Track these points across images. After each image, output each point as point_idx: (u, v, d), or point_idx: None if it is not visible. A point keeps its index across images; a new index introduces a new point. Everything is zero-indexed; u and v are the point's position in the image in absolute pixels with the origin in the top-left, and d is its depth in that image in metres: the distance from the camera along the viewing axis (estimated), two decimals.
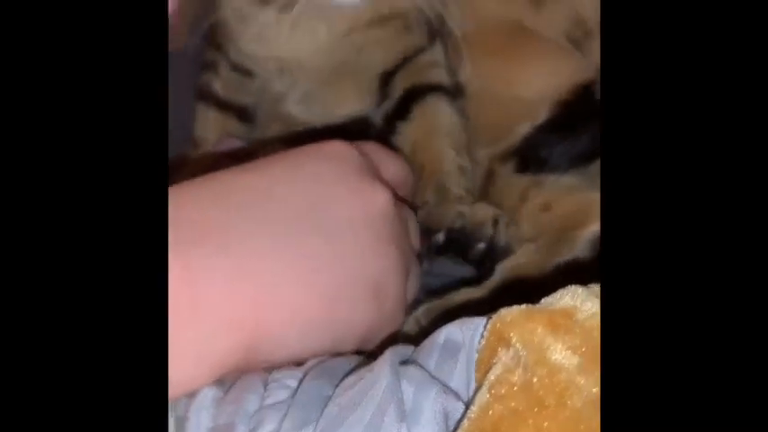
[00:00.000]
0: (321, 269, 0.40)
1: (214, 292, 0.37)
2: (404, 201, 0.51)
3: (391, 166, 0.50)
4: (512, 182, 0.64)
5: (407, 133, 0.64)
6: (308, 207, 0.41)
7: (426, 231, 0.59)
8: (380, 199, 0.44)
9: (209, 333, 0.37)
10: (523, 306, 0.33)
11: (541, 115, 0.64)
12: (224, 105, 0.72)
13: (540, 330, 0.31)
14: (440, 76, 0.66)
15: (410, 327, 0.53)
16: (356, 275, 0.41)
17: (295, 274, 0.40)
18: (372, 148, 0.48)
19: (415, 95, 0.65)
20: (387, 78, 0.65)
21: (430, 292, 0.60)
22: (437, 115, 0.64)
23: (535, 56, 0.65)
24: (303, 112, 0.68)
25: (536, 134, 0.64)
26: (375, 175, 0.45)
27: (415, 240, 0.49)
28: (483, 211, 0.61)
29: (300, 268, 0.40)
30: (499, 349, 0.32)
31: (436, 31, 0.67)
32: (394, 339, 0.44)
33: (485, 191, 0.65)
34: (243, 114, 0.72)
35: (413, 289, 0.48)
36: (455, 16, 0.63)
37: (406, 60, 0.65)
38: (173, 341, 0.35)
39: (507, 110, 0.65)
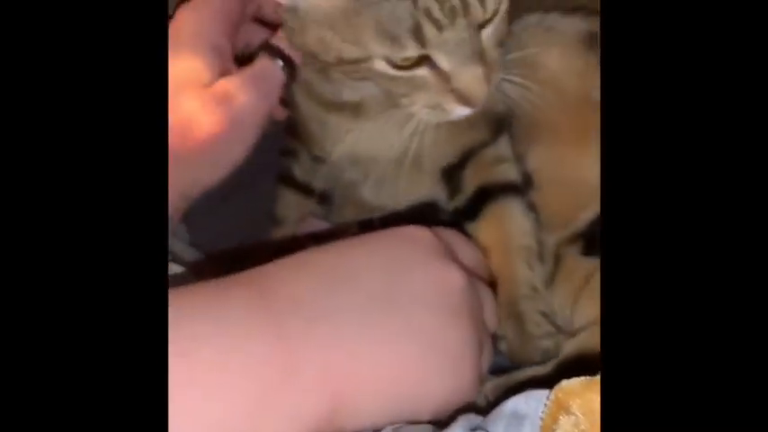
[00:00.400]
0: (400, 345, 0.43)
1: (306, 360, 0.40)
2: (481, 279, 0.53)
3: (467, 251, 0.53)
4: (578, 264, 0.66)
5: (479, 237, 0.66)
6: (386, 287, 0.44)
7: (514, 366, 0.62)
8: (455, 278, 0.46)
9: (301, 396, 0.39)
10: (582, 378, 0.36)
11: None
12: (303, 188, 0.77)
13: (596, 399, 0.34)
14: (508, 172, 0.68)
15: (479, 401, 0.55)
16: (436, 349, 0.44)
17: (376, 349, 0.43)
18: (448, 234, 0.51)
19: (486, 196, 0.67)
20: (451, 172, 0.68)
21: (497, 370, 0.63)
22: (510, 221, 0.66)
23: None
24: (375, 198, 0.72)
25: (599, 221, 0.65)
26: (449, 255, 0.48)
27: (490, 317, 0.51)
28: (568, 346, 0.62)
29: (380, 344, 0.43)
30: (560, 416, 0.34)
31: (502, 124, 0.69)
32: (464, 410, 0.46)
33: (553, 275, 0.67)
34: (320, 197, 0.77)
35: (486, 363, 0.50)
36: (527, 103, 0.64)
37: (470, 154, 0.67)
38: (269, 402, 0.38)
39: (574, 195, 0.67)
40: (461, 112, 0.58)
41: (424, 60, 0.55)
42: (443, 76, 0.56)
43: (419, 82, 0.56)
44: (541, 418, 0.36)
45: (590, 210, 0.66)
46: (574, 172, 0.67)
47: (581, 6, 0.71)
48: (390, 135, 0.66)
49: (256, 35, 0.64)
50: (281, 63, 0.59)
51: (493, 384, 0.58)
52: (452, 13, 0.53)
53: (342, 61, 0.57)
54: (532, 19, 0.69)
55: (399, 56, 0.54)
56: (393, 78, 0.57)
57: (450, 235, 0.51)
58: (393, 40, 0.53)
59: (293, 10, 0.57)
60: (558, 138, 0.67)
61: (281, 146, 0.76)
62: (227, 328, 0.39)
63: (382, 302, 0.44)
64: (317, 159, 0.73)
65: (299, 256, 0.45)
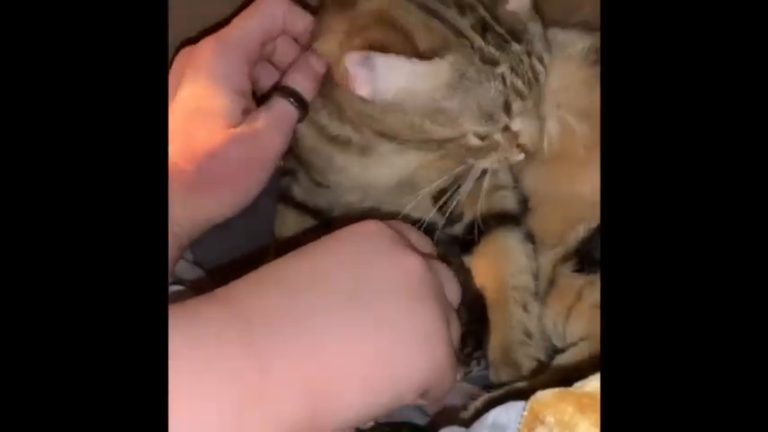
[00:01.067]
0: (372, 338, 0.44)
1: (281, 370, 0.41)
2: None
3: (417, 237, 0.54)
4: (570, 282, 0.68)
5: (475, 272, 0.70)
6: (351, 284, 0.46)
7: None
8: (414, 263, 0.48)
9: (277, 406, 0.40)
10: (556, 389, 0.37)
11: (596, 218, 0.66)
12: (302, 207, 0.78)
13: (569, 410, 0.35)
14: (506, 200, 0.71)
15: (469, 414, 0.56)
16: (406, 333, 0.45)
17: (348, 346, 0.44)
18: (397, 224, 0.53)
19: (484, 225, 0.70)
20: (441, 196, 0.69)
21: (489, 385, 0.64)
22: (506, 259, 0.69)
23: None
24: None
25: (590, 237, 0.67)
26: (405, 243, 0.50)
27: (452, 293, 0.52)
28: (556, 360, 0.64)
29: (352, 341, 0.44)
30: (536, 426, 0.36)
31: None
32: (448, 422, 0.47)
33: (546, 293, 0.69)
34: (318, 214, 0.78)
35: (456, 336, 0.51)
36: None
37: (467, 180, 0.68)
38: (244, 416, 0.39)
39: (568, 212, 0.69)
40: (521, 158, 0.65)
41: None
42: (512, 136, 0.62)
43: (494, 145, 0.62)
44: (518, 429, 0.37)
45: (582, 226, 0.68)
46: (568, 187, 0.69)
47: (581, 22, 0.73)
48: (391, 171, 0.70)
49: (266, 73, 0.68)
50: (294, 102, 0.63)
51: (484, 398, 0.59)
52: (530, 84, 0.60)
53: (429, 140, 0.62)
54: None
55: (494, 129, 0.61)
56: (478, 148, 0.62)
57: (399, 224, 0.53)
58: (489, 117, 0.60)
59: (372, 101, 0.61)
60: (555, 153, 0.69)
61: (280, 166, 0.78)
62: (198, 347, 0.40)
63: (349, 299, 0.45)
64: (317, 183, 0.75)
65: (266, 267, 0.47)
